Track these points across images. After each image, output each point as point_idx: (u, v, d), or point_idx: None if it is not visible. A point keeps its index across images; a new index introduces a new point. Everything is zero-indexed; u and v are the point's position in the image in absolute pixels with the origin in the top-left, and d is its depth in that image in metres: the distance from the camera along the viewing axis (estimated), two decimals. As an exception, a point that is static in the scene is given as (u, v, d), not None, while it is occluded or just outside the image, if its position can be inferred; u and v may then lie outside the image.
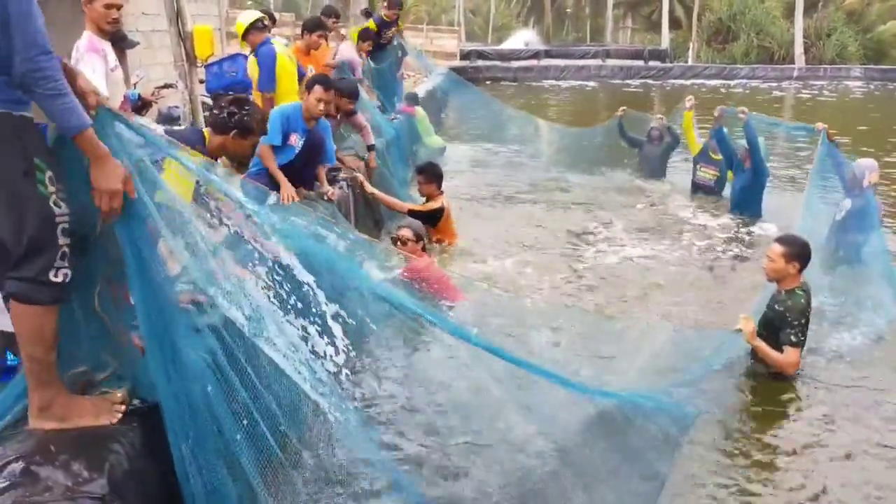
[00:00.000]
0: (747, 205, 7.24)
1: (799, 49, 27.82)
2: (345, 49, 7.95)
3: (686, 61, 28.90)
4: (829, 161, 5.96)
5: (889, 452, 3.29)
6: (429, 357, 3.57)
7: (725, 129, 7.48)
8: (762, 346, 3.81)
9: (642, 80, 24.87)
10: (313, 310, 2.30)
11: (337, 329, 2.32)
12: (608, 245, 6.45)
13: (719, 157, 7.74)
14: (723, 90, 22.61)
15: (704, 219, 7.32)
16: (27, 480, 1.86)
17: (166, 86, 6.98)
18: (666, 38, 31.58)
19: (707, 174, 8.03)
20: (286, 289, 2.33)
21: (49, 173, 1.97)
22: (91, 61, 3.59)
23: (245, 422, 2.19)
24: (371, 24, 8.41)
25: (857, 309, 4.69)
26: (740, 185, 7.29)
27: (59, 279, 1.98)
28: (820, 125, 6.16)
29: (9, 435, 2.07)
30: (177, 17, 5.68)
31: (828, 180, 6.11)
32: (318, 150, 5.15)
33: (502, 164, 10.00)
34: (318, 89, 4.88)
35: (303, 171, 5.03)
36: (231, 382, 2.22)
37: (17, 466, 1.90)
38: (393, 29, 8.91)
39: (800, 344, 3.78)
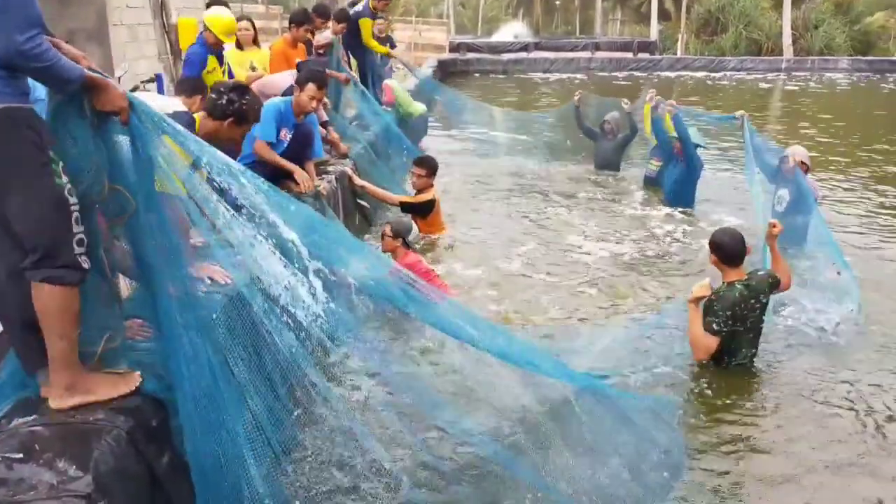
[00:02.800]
0: (681, 197, 7.25)
1: (787, 41, 27.96)
2: (327, 36, 7.90)
3: (675, 53, 28.97)
4: (753, 148, 5.96)
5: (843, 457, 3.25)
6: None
7: (661, 120, 7.44)
8: (694, 313, 3.80)
9: (631, 73, 24.91)
10: (296, 264, 2.32)
11: (317, 283, 2.34)
12: (552, 238, 6.45)
13: None
14: (709, 82, 22.70)
15: (645, 211, 7.34)
16: (11, 479, 1.85)
17: (152, 80, 6.93)
18: (655, 31, 31.65)
19: (653, 165, 8.05)
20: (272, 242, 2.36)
21: (62, 163, 2.04)
22: None
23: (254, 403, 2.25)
24: (366, 21, 8.28)
25: (823, 300, 4.67)
26: (674, 177, 7.31)
27: (86, 266, 2.10)
28: (740, 112, 6.21)
29: (-8, 433, 2.05)
30: (161, 9, 5.65)
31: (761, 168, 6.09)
32: (307, 144, 5.13)
33: (477, 156, 10.06)
34: (311, 87, 4.85)
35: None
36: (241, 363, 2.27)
37: (1, 465, 1.88)
38: (382, 21, 8.81)
39: (718, 333, 3.75)
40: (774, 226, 4.07)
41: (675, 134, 7.16)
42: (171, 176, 2.15)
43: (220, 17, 5.38)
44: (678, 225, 6.83)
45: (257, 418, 2.21)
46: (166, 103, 3.23)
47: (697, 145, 7.13)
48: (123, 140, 2.15)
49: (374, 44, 8.38)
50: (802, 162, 5.73)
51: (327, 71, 6.32)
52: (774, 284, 3.94)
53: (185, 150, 2.22)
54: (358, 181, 6.06)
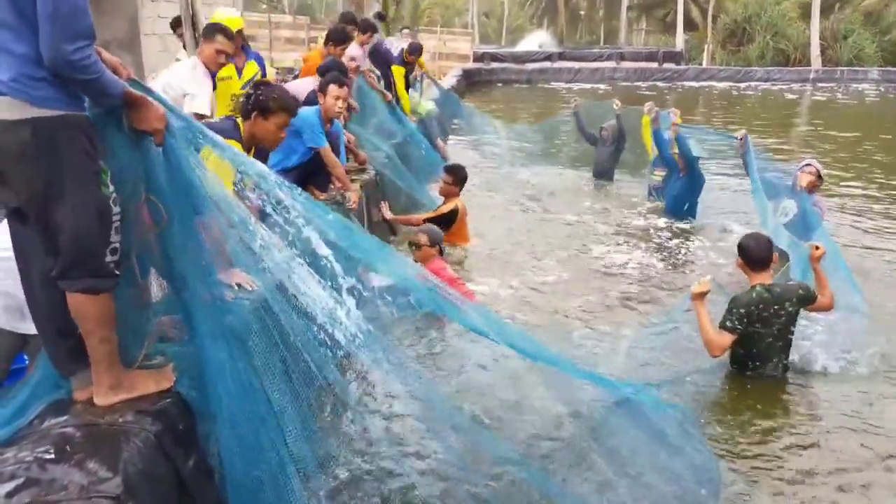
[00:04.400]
0: (681, 210, 7.31)
1: (815, 51, 27.63)
2: (350, 48, 7.99)
3: (701, 63, 28.77)
4: (753, 164, 5.92)
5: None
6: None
7: (666, 133, 7.44)
8: (701, 310, 3.82)
9: (656, 83, 24.78)
10: (331, 283, 2.34)
11: (351, 302, 2.35)
12: (569, 248, 6.45)
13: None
14: (734, 93, 22.50)
15: (651, 222, 7.32)
16: (44, 479, 1.88)
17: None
18: (680, 41, 31.47)
19: (657, 177, 8.06)
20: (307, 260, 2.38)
21: (110, 173, 2.09)
22: None
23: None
24: (399, 69, 8.71)
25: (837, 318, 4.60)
26: (676, 192, 7.37)
27: (117, 272, 2.15)
28: (741, 132, 6.18)
29: (25, 435, 2.09)
30: (192, 20, 5.75)
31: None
32: (333, 150, 5.18)
33: (488, 166, 10.18)
34: (333, 89, 4.90)
35: (316, 172, 5.06)
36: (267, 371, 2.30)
37: (34, 465, 1.92)
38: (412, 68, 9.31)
39: (732, 331, 3.77)
40: (817, 248, 4.05)
41: (677, 151, 7.21)
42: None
43: (218, 17, 5.11)
44: (685, 236, 6.82)
45: (291, 435, 2.24)
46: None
47: (697, 157, 7.20)
48: (160, 155, 2.18)
49: (404, 94, 8.79)
50: (818, 175, 5.65)
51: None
52: (806, 298, 3.93)
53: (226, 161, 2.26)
54: (388, 215, 6.10)
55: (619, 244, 6.60)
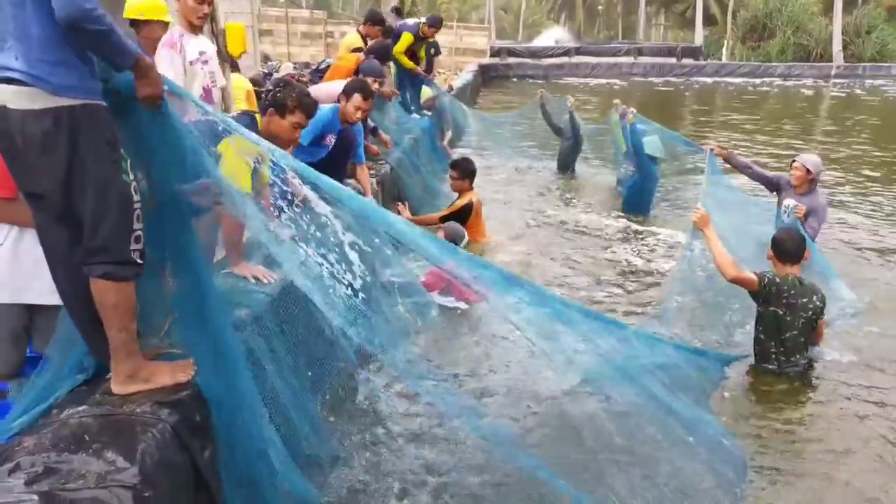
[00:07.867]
0: (635, 206, 7.43)
1: (837, 47, 27.24)
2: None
3: (720, 59, 28.48)
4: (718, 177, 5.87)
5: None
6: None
7: (631, 125, 7.41)
8: (710, 234, 4.06)
9: (675, 78, 24.57)
10: (331, 239, 2.34)
11: (353, 256, 2.35)
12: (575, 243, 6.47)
13: None
14: (750, 88, 22.23)
15: (593, 218, 7.31)
16: (62, 469, 1.91)
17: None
18: (700, 36, 31.16)
19: (627, 171, 8.07)
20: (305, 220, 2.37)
21: (129, 161, 2.12)
22: (166, 56, 3.69)
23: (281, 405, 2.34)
24: (408, 35, 8.49)
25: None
26: (629, 186, 7.54)
27: (140, 261, 2.16)
28: (707, 147, 6.13)
29: (44, 423, 2.12)
30: (211, 18, 5.78)
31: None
32: (349, 149, 5.22)
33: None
34: (357, 98, 4.94)
35: (331, 167, 5.09)
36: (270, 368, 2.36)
37: (52, 454, 1.95)
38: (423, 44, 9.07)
39: (759, 277, 3.91)
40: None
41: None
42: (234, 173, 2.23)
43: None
44: (641, 232, 6.82)
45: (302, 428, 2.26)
46: None
47: (655, 157, 7.23)
48: (156, 125, 2.20)
49: (402, 57, 8.56)
50: (807, 171, 5.41)
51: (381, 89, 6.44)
52: (822, 304, 4.03)
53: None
54: (406, 215, 6.09)
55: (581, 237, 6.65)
